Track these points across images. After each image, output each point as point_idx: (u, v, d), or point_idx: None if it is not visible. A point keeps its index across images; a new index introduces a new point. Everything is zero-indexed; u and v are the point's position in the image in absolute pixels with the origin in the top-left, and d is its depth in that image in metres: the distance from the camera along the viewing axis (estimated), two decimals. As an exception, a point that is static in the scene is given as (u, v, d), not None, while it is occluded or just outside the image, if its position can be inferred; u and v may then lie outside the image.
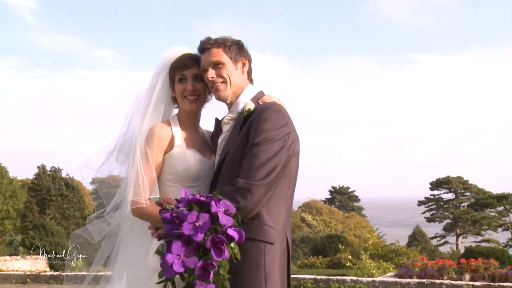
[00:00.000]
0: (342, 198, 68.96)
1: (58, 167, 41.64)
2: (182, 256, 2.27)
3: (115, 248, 3.24)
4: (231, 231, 2.34)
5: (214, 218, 2.32)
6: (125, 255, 3.19)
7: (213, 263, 2.27)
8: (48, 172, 41.12)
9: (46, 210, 38.71)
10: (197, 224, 2.27)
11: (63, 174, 41.51)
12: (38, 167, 41.50)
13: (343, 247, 23.24)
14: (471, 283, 14.09)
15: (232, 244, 2.36)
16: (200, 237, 2.25)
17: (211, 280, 2.29)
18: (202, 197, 2.36)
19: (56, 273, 19.39)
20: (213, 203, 2.33)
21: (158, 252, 2.45)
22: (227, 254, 2.30)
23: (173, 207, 2.38)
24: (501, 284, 13.86)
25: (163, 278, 2.33)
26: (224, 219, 2.32)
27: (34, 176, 41.46)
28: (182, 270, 2.26)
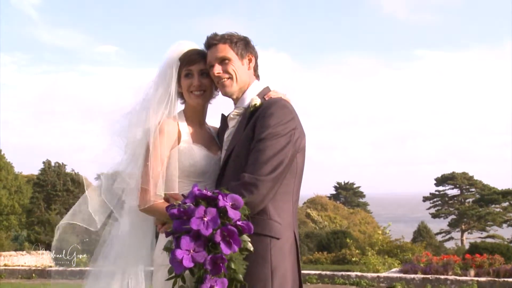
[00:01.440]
0: (347, 194, 68.90)
1: (62, 163, 41.74)
2: (192, 251, 2.27)
3: (110, 242, 3.26)
4: (240, 223, 2.35)
5: (222, 212, 2.32)
6: (125, 249, 3.20)
7: (223, 256, 2.27)
8: (53, 168, 41.21)
9: (52, 205, 38.83)
10: (205, 218, 2.28)
11: (68, 170, 41.61)
12: (44, 162, 41.60)
13: (351, 241, 23.20)
14: (476, 278, 14.09)
15: (244, 236, 2.37)
16: (209, 231, 2.26)
17: (221, 274, 2.30)
18: (208, 192, 2.36)
19: (61, 268, 19.44)
20: (220, 197, 2.33)
21: (166, 248, 2.45)
22: (235, 247, 2.31)
23: (180, 203, 2.39)
24: (506, 279, 13.86)
25: (173, 274, 2.33)
26: (232, 213, 2.32)
27: (40, 172, 41.57)
28: (192, 265, 2.27)
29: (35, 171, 44.12)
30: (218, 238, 2.27)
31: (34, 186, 41.22)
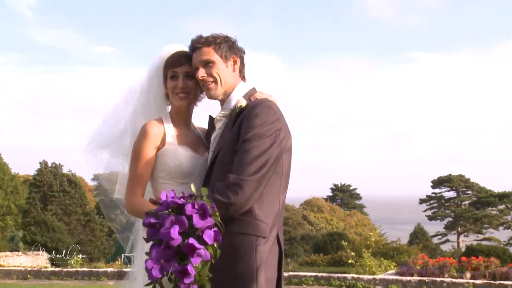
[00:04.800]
0: (343, 195, 69.01)
1: (59, 163, 41.70)
2: (162, 261, 2.25)
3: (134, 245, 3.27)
4: (208, 234, 2.29)
5: (190, 221, 2.28)
6: (139, 252, 3.21)
7: (190, 267, 2.24)
8: (50, 168, 41.14)
9: (48, 206, 38.77)
10: (172, 229, 2.24)
11: (65, 170, 41.58)
12: (40, 163, 41.52)
13: (346, 243, 23.23)
14: (472, 281, 14.10)
15: (209, 248, 2.32)
16: (176, 242, 2.23)
17: (188, 284, 2.27)
18: (181, 200, 2.33)
19: (57, 269, 19.44)
20: (188, 206, 2.29)
21: (147, 253, 2.45)
22: (208, 255, 2.28)
23: (153, 211, 2.38)
24: (501, 282, 13.88)
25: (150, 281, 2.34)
26: (199, 222, 2.28)
27: (36, 172, 41.51)
28: (160, 276, 2.25)
29: (31, 172, 44.10)
30: (185, 249, 2.25)
31: (31, 186, 41.16)
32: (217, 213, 2.38)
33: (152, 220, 2.31)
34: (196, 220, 2.27)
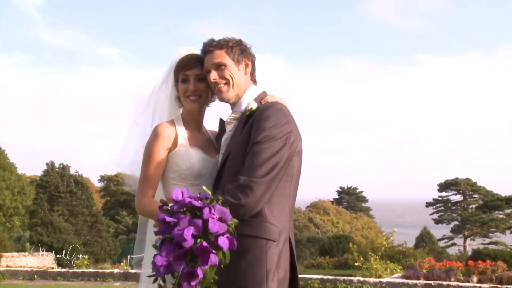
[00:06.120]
0: (350, 198, 68.95)
1: (67, 164, 41.81)
2: (171, 259, 2.26)
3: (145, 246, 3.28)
4: (222, 239, 2.30)
5: (205, 224, 2.29)
6: (150, 253, 3.21)
7: (199, 271, 2.25)
8: (57, 169, 41.25)
9: (55, 206, 38.87)
10: (186, 231, 2.25)
11: (72, 171, 41.69)
12: (47, 164, 41.64)
13: (353, 246, 23.19)
14: (479, 285, 14.07)
15: (220, 254, 2.32)
16: (188, 243, 2.24)
17: (193, 285, 2.28)
18: (198, 202, 2.33)
19: (63, 270, 19.49)
20: (206, 210, 2.29)
21: (154, 246, 2.45)
22: (216, 260, 2.28)
23: (169, 207, 2.38)
24: (508, 286, 13.85)
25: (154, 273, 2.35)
26: (215, 227, 2.28)
27: (43, 173, 41.62)
28: (168, 273, 2.27)
29: (38, 172, 44.25)
30: (197, 251, 2.25)
31: (37, 187, 41.27)
32: (232, 222, 2.39)
33: (167, 217, 2.32)
34: (211, 224, 2.28)
